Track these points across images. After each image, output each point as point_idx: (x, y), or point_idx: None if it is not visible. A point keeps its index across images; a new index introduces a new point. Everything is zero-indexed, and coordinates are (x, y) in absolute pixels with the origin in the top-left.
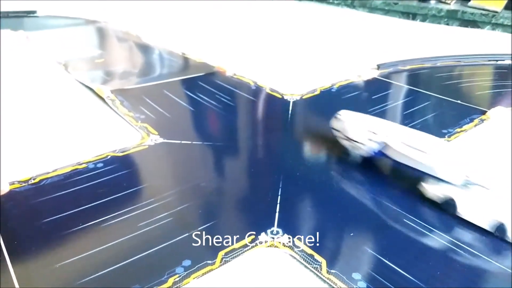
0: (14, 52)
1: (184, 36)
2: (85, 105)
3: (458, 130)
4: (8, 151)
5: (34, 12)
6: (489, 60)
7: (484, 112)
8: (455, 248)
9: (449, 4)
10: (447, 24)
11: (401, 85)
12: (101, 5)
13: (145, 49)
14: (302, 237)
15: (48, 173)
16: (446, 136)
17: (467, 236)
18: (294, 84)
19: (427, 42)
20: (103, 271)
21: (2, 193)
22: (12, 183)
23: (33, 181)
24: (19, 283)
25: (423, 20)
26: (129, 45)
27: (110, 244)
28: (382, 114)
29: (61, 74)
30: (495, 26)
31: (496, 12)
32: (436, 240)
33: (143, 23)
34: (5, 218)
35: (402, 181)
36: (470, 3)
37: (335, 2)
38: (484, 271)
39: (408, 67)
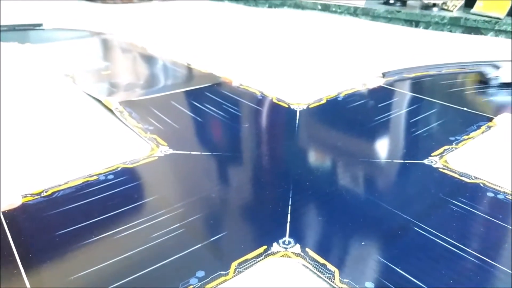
0: (22, 65)
1: (189, 47)
2: (94, 117)
3: (466, 137)
4: (20, 164)
5: (40, 25)
6: (494, 67)
7: (490, 119)
8: (467, 256)
9: (452, 11)
10: (450, 31)
11: (406, 93)
12: (106, 18)
13: (151, 60)
14: (314, 246)
15: (60, 185)
16: (453, 144)
17: (479, 244)
18: (300, 93)
19: (431, 50)
20: (118, 283)
21: (15, 206)
22: (25, 196)
23: (45, 194)
24: None
25: (426, 28)
26: (135, 56)
27: (123, 256)
28: (388, 123)
29: (69, 87)
30: (498, 32)
31: (499, 18)
32: (448, 248)
33: (148, 34)
34: (19, 231)
35: (411, 190)
36: (473, 10)
37: (338, 11)
38: (497, 279)
39: (413, 75)
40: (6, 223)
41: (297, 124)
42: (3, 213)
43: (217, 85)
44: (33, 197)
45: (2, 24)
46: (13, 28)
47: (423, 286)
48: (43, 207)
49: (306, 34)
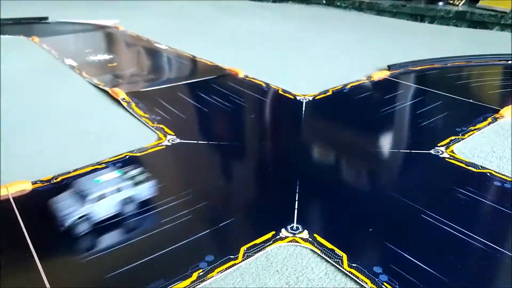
0: (29, 57)
1: (195, 39)
2: (101, 107)
3: (472, 128)
4: (31, 152)
5: (46, 18)
6: (500, 60)
7: (497, 111)
8: (475, 243)
9: (458, 5)
10: (456, 26)
11: (412, 85)
12: (111, 10)
13: (156, 52)
14: (321, 233)
15: (69, 172)
16: (460, 134)
17: (486, 231)
18: (306, 85)
19: (436, 43)
20: (129, 266)
21: (25, 191)
22: (35, 182)
23: (55, 180)
24: (48, 279)
25: (432, 22)
26: (140, 49)
27: (134, 240)
28: (394, 114)
29: (76, 78)
30: (504, 26)
31: (505, 13)
32: (455, 235)
33: (153, 27)
34: (30, 216)
35: (417, 179)
36: (478, 4)
37: (343, 5)
38: (504, 264)
39: (418, 68)
40: (17, 208)
41: (303, 115)
42: (14, 198)
43: (223, 77)
44: (43, 183)
45: (8, 17)
46: (19, 22)
47: (431, 271)
48: (53, 193)
49: (312, 27)
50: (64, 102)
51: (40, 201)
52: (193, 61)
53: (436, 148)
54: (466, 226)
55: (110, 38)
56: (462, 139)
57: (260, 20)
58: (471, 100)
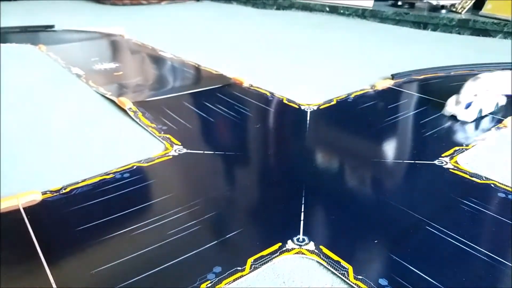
0: (36, 66)
1: (199, 48)
2: (108, 116)
3: (476, 138)
4: (39, 162)
5: (52, 26)
6: (503, 69)
7: (500, 121)
8: (479, 255)
9: (461, 13)
10: (459, 34)
11: (415, 94)
12: (116, 19)
13: (161, 61)
14: (327, 244)
15: (78, 183)
16: (464, 145)
17: (491, 243)
18: (310, 94)
19: (439, 51)
20: (137, 278)
21: (35, 202)
22: (44, 193)
23: (64, 191)
24: None
25: (434, 30)
26: (146, 57)
27: (141, 251)
28: (398, 124)
29: (83, 87)
30: (507, 34)
31: (508, 20)
32: (460, 247)
33: (157, 35)
34: (40, 226)
35: (422, 190)
36: (481, 12)
37: (346, 13)
38: (509, 276)
39: (421, 77)
40: (27, 218)
41: (308, 125)
42: (24, 208)
43: (227, 86)
44: (52, 193)
45: (14, 25)
46: (25, 30)
47: (436, 283)
48: (62, 203)
49: (315, 36)
50: (72, 111)
51: (49, 211)
52: (198, 69)
53: (440, 158)
54: (470, 238)
55: (115, 46)
56: (466, 149)
57: (263, 28)
58: None
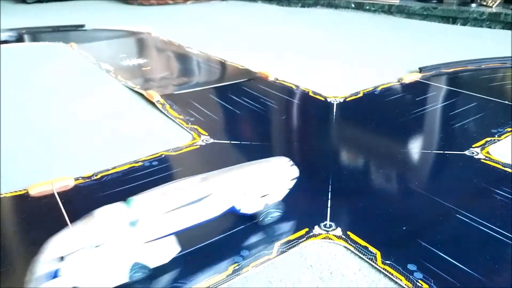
0: (70, 63)
1: (225, 44)
2: (137, 108)
3: (509, 129)
4: (73, 150)
5: (82, 26)
6: None
7: None
8: (511, 242)
9: (491, 7)
10: (490, 27)
11: (444, 87)
12: (143, 18)
13: (187, 57)
14: (354, 230)
15: (108, 170)
16: (496, 136)
17: None
18: (336, 87)
19: (469, 46)
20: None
21: (69, 187)
22: (77, 179)
23: (95, 177)
24: None
25: (464, 24)
26: (172, 53)
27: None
28: (427, 115)
29: (113, 82)
30: None
31: None
32: (492, 235)
33: (184, 33)
34: (73, 209)
35: (452, 179)
36: None
37: (372, 9)
38: None
39: (451, 70)
40: (62, 202)
41: (334, 116)
42: (58, 193)
43: (253, 80)
44: (84, 179)
45: (47, 25)
46: (57, 29)
47: (468, 270)
48: (94, 189)
49: (340, 32)
50: (102, 104)
51: (81, 195)
52: (224, 65)
53: (470, 149)
54: (502, 226)
55: (143, 43)
56: (499, 140)
57: (289, 25)
58: (507, 102)
